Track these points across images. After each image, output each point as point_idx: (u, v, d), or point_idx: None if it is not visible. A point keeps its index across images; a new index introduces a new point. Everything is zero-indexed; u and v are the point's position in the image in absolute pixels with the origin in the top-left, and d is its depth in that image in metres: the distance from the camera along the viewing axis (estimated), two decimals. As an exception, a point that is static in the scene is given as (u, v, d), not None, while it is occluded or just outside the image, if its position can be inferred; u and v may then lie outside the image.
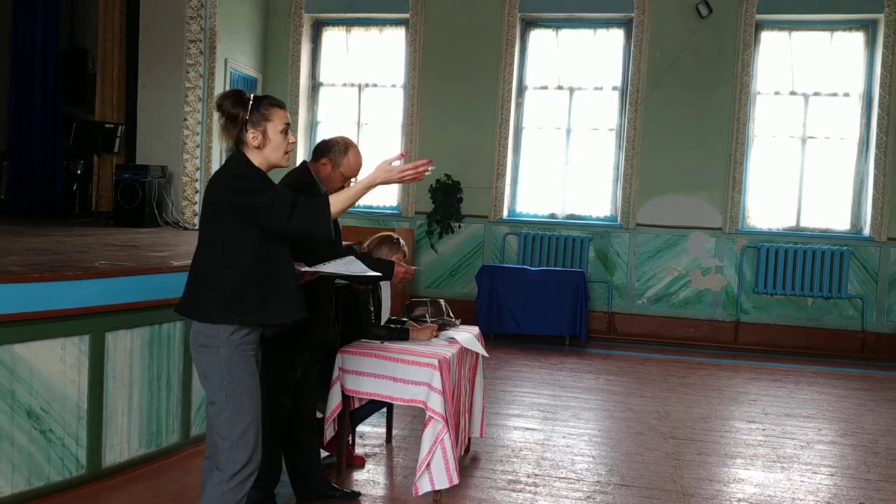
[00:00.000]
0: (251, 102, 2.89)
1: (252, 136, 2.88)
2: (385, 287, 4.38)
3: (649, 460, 4.82)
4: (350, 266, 3.14)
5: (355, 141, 3.89)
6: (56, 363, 3.73)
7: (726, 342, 9.04)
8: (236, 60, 9.30)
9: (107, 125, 8.67)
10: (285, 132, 2.94)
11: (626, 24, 9.39)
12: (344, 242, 4.62)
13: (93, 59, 9.60)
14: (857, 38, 9.07)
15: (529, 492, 4.19)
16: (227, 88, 9.14)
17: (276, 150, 2.93)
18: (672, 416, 5.89)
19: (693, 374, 7.48)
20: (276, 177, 3.21)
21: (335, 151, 3.65)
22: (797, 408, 6.37)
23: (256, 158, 2.91)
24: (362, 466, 4.45)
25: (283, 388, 3.57)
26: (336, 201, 2.86)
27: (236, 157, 2.94)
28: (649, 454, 4.94)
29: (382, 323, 4.31)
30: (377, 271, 3.72)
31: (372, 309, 4.21)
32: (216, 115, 2.93)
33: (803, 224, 9.21)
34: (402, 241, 4.25)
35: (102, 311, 3.93)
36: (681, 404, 6.28)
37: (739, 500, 4.23)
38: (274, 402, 3.57)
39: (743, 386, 7.13)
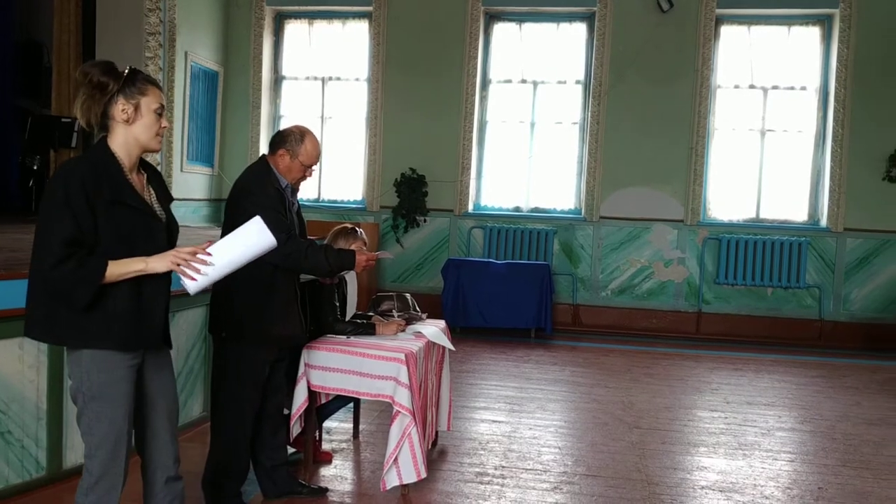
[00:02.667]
0: (126, 73, 2.62)
1: (122, 108, 2.57)
2: (351, 282, 4.35)
3: (614, 450, 4.87)
4: (253, 235, 2.69)
5: (318, 134, 3.84)
6: (13, 363, 3.65)
7: (688, 332, 9.17)
8: (196, 53, 9.16)
9: (63, 119, 8.47)
10: (160, 113, 2.64)
11: (589, 19, 9.45)
12: (310, 237, 4.57)
13: (48, 52, 9.38)
14: (814, 33, 9.24)
15: (497, 484, 4.21)
16: (188, 82, 9.02)
17: (147, 129, 2.62)
18: (636, 407, 5.96)
19: (657, 365, 7.58)
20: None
21: (291, 141, 3.60)
22: (758, 396, 6.50)
23: (121, 137, 2.59)
24: (329, 462, 4.44)
25: (251, 386, 3.54)
26: (111, 271, 2.47)
27: (93, 149, 2.62)
28: (614, 444, 5.00)
29: (348, 318, 4.29)
30: (337, 262, 3.69)
31: (337, 304, 4.18)
32: (82, 87, 2.58)
33: (763, 215, 9.37)
34: (359, 231, 4.22)
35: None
36: (645, 394, 6.37)
37: (703, 487, 4.30)
38: (242, 400, 3.53)
39: (705, 375, 7.24)
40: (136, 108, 2.59)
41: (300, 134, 3.62)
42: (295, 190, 3.71)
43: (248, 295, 3.44)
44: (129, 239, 2.54)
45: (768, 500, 4.14)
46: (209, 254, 2.58)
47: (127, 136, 2.60)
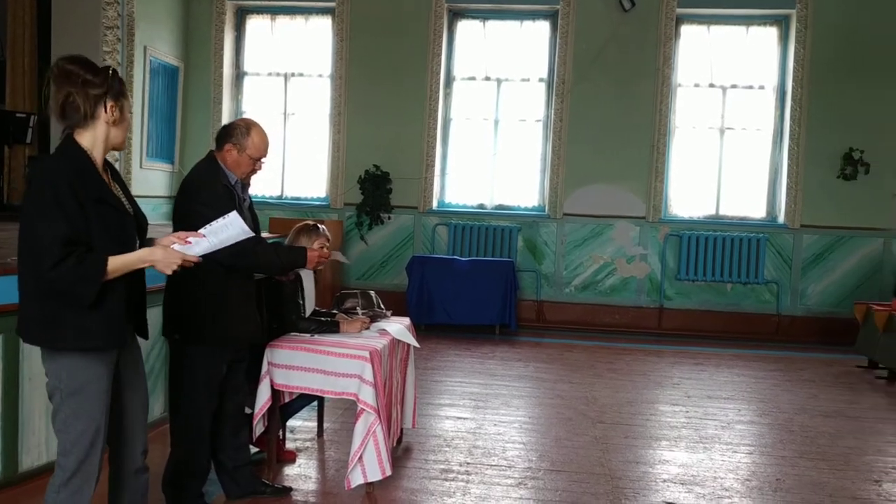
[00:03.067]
0: (111, 74, 2.60)
1: (112, 109, 2.57)
2: (308, 278, 4.28)
3: (578, 445, 4.92)
4: (229, 228, 2.77)
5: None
6: (-34, 365, 3.56)
7: (650, 328, 9.29)
8: (156, 48, 9.01)
9: (18, 115, 8.28)
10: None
11: (552, 17, 9.50)
12: (268, 235, 4.52)
13: (2, 46, 9.15)
14: (771, 33, 9.41)
15: (462, 480, 4.22)
16: (148, 78, 8.87)
17: (125, 131, 2.66)
18: (600, 402, 6.02)
19: (619, 360, 7.66)
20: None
21: (237, 135, 3.53)
22: (718, 390, 6.60)
23: (99, 135, 2.58)
24: (293, 461, 4.41)
25: (208, 387, 3.50)
26: (114, 266, 2.48)
27: (66, 147, 2.57)
28: (578, 439, 5.04)
29: (307, 316, 4.24)
30: (289, 259, 3.67)
31: (301, 302, 4.15)
32: (64, 82, 2.52)
33: (722, 212, 9.52)
34: (321, 227, 4.17)
35: (16, 309, 3.76)
36: (608, 389, 6.43)
37: (664, 480, 4.36)
38: (199, 401, 3.49)
39: (667, 370, 7.34)
40: (122, 110, 2.61)
41: (246, 127, 3.56)
42: (245, 185, 3.66)
43: (203, 295, 3.39)
44: (112, 236, 2.55)
45: (728, 492, 4.21)
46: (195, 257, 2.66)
47: (107, 136, 2.60)
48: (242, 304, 3.55)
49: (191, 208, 3.36)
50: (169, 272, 2.60)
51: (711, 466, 4.61)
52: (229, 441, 3.72)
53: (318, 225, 4.18)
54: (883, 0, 8.93)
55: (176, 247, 2.63)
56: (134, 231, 2.67)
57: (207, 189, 3.42)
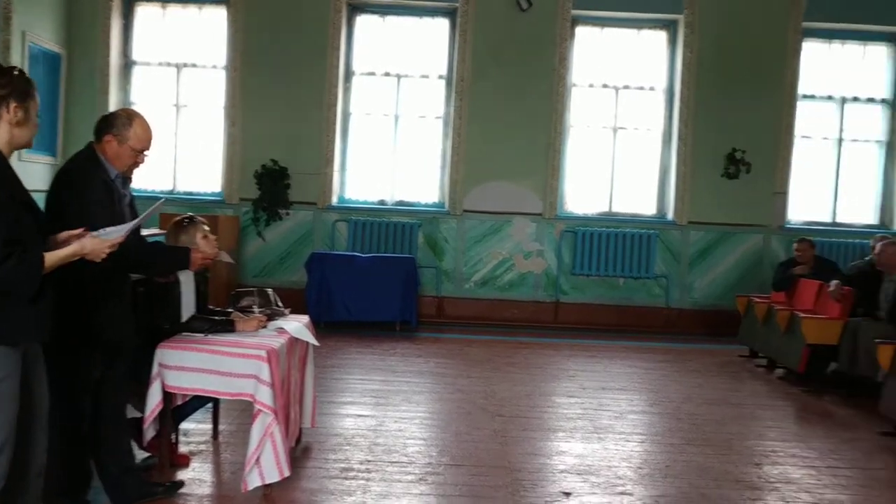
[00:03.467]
0: (16, 75, 2.66)
1: (14, 110, 2.61)
2: (187, 279, 4.08)
3: (478, 439, 4.97)
4: (121, 230, 2.95)
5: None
6: None
7: (547, 322, 9.49)
8: (36, 34, 8.49)
9: None
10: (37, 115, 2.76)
11: (451, 14, 9.55)
12: (157, 231, 4.34)
13: None
14: (661, 37, 9.78)
15: (362, 478, 4.19)
16: (27, 65, 8.36)
17: (31, 132, 2.71)
18: (498, 395, 6.11)
19: (517, 354, 7.79)
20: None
21: (118, 125, 3.39)
22: (611, 381, 6.82)
23: (4, 136, 2.63)
24: (187, 465, 4.25)
25: (79, 391, 3.34)
26: (49, 263, 2.56)
27: None
28: (478, 433, 5.10)
29: (185, 319, 4.04)
30: (172, 260, 3.62)
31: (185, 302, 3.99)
32: None
33: (615, 209, 9.84)
34: (195, 218, 4.03)
35: None
36: (506, 383, 6.53)
37: (561, 471, 4.47)
38: (70, 405, 3.32)
39: (563, 363, 7.53)
40: (27, 111, 2.64)
41: (128, 117, 3.42)
42: (127, 179, 3.51)
43: (74, 296, 3.20)
44: (32, 234, 2.59)
45: (622, 479, 4.35)
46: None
47: (10, 137, 2.64)
48: (116, 306, 3.41)
49: (65, 202, 3.19)
50: (98, 260, 2.74)
51: (606, 456, 4.76)
52: (113, 445, 3.54)
53: (193, 217, 4.04)
54: (761, 9, 9.43)
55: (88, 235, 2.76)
56: (41, 230, 2.69)
57: (83, 183, 3.27)
